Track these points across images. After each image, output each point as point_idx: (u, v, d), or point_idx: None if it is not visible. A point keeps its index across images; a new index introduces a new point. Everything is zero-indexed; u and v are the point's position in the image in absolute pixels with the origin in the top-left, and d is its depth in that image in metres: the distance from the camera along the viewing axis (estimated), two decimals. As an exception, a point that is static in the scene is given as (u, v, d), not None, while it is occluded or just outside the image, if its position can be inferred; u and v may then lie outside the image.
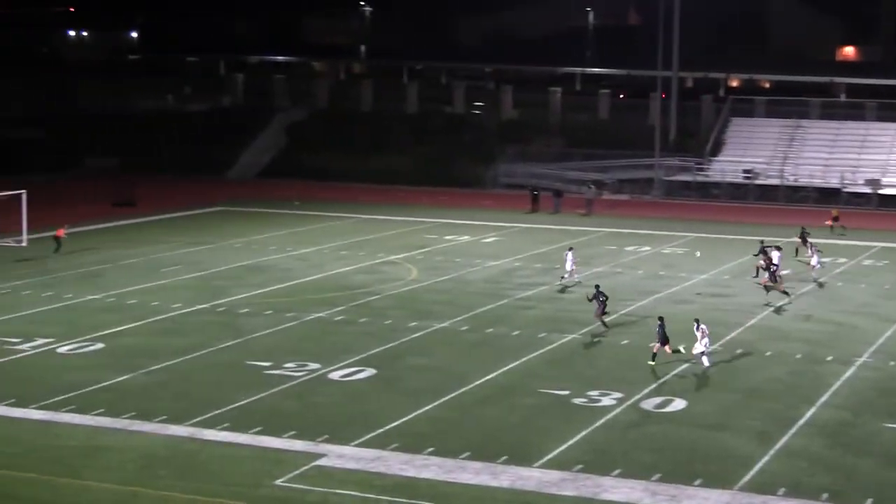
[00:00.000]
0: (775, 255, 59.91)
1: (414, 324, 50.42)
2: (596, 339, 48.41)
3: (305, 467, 32.73)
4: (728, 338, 48.87)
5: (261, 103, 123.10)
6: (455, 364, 44.17)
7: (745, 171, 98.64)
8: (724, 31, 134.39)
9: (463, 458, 33.58)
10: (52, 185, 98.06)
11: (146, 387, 40.53)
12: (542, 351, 46.39)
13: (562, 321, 51.56)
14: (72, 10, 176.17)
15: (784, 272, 59.69)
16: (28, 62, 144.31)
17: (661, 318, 45.66)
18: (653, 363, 44.25)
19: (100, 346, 46.15)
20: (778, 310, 54.97)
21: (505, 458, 33.67)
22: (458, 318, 51.53)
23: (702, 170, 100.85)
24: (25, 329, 48.53)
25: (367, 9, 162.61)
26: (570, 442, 35.14)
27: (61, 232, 66.71)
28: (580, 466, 33.05)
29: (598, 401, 39.47)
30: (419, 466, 32.94)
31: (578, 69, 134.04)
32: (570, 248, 61.64)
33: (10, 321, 50.15)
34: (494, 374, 42.85)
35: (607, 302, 50.17)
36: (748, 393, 40.89)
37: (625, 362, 44.79)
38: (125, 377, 41.61)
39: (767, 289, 56.47)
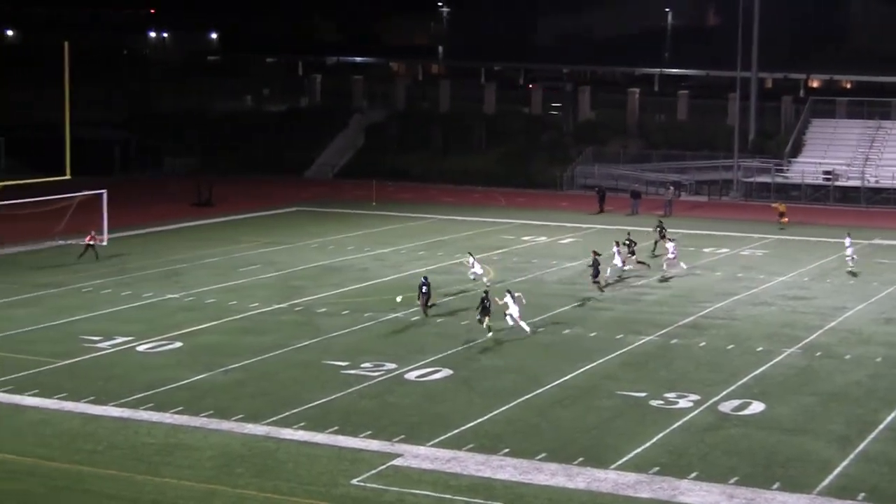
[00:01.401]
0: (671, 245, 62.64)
1: (491, 324, 50.35)
2: (673, 342, 48.12)
3: (381, 467, 32.81)
4: (807, 340, 48.42)
5: (339, 104, 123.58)
6: (531, 365, 44.10)
7: (826, 173, 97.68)
8: (804, 32, 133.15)
9: (539, 460, 33.51)
10: (133, 185, 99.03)
11: (224, 385, 40.81)
12: (618, 353, 46.20)
13: (639, 323, 51.31)
14: (153, 11, 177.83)
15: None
16: (109, 64, 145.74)
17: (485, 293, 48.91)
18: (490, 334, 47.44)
19: (178, 344, 46.53)
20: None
21: (581, 459, 33.56)
22: (535, 319, 51.41)
23: (781, 171, 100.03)
24: (105, 327, 49.02)
25: (446, 9, 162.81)
26: (647, 444, 34.96)
27: (94, 238, 66.14)
28: (656, 469, 32.88)
29: (675, 403, 39.24)
30: (495, 467, 32.91)
31: (657, 70, 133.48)
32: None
33: (90, 319, 50.70)
34: (571, 375, 42.74)
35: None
36: (828, 396, 40.48)
37: (702, 364, 44.50)
38: (203, 376, 41.92)
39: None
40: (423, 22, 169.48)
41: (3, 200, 66.19)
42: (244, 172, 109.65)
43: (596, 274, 57.70)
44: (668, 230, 69.78)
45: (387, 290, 56.78)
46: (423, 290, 51.70)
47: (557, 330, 49.85)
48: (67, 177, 69.88)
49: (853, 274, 63.21)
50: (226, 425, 36.27)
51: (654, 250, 68.28)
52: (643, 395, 40.12)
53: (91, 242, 65.23)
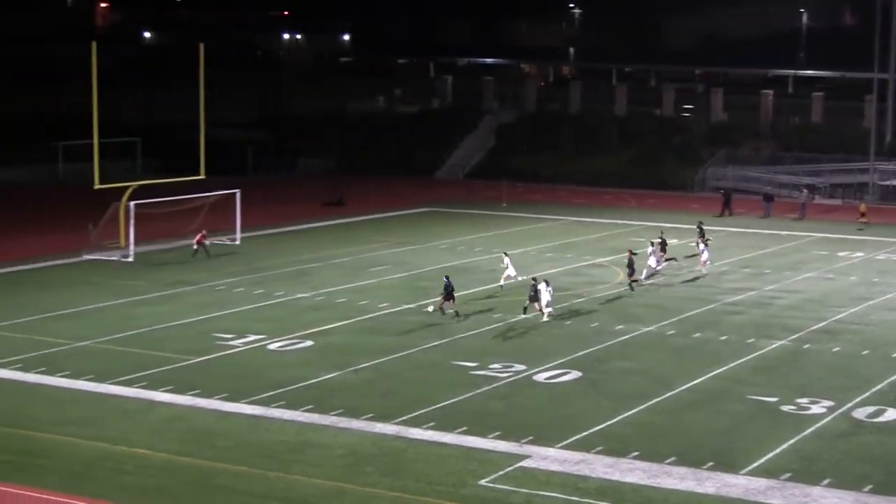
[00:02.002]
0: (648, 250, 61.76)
1: (620, 327, 50.14)
2: (806, 346, 47.46)
3: (510, 468, 32.81)
4: (944, 347, 47.49)
5: (469, 105, 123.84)
6: (661, 368, 43.80)
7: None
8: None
9: (668, 463, 33.27)
10: (266, 185, 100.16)
11: (354, 384, 41.10)
12: (750, 357, 45.70)
13: (771, 327, 50.71)
14: (286, 13, 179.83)
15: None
16: (244, 65, 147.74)
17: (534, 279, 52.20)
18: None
19: (309, 343, 46.96)
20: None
21: (711, 464, 33.25)
22: (665, 322, 51.09)
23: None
24: (238, 325, 49.65)
25: (577, 11, 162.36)
26: (778, 450, 34.53)
27: (204, 237, 66.93)
28: (788, 475, 32.45)
29: (808, 409, 38.70)
30: (623, 470, 32.75)
31: (791, 71, 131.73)
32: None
33: (223, 317, 51.38)
34: (701, 379, 42.36)
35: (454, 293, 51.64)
36: (965, 404, 39.68)
37: (836, 370, 43.84)
38: (333, 375, 42.25)
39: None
40: (554, 23, 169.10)
41: (139, 200, 67.32)
42: (376, 173, 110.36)
43: (631, 272, 58.05)
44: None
45: (515, 292, 56.75)
46: (447, 290, 51.57)
47: (688, 333, 49.44)
48: (202, 177, 70.95)
49: None
50: (355, 424, 36.52)
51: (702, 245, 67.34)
52: (774, 399, 39.63)
53: (202, 242, 66.13)
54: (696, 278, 61.63)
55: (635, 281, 58.33)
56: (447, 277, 52.27)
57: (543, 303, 51.28)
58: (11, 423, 36.44)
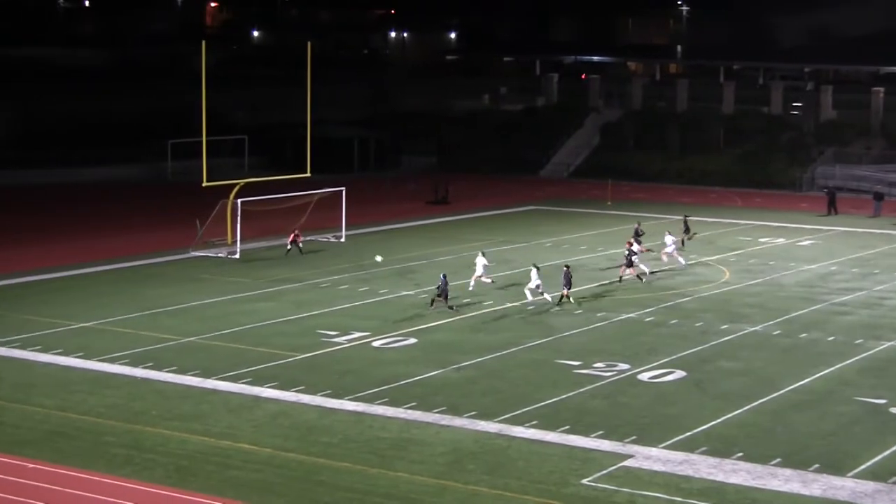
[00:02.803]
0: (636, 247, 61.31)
1: (725, 326, 49.75)
2: (915, 348, 46.78)
3: (612, 467, 32.70)
4: None
5: (575, 103, 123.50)
6: (767, 368, 43.39)
7: None
8: None
9: (773, 465, 32.96)
10: (372, 183, 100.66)
11: (456, 382, 41.19)
12: (857, 357, 45.12)
13: (880, 328, 50.03)
14: (393, 12, 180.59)
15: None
16: (351, 63, 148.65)
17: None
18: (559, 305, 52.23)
19: (412, 340, 47.14)
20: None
21: (816, 466, 32.88)
22: (771, 322, 50.60)
23: None
24: (342, 322, 49.96)
25: (684, 8, 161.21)
26: (886, 452, 34.05)
27: (298, 237, 67.00)
28: (896, 478, 32.06)
29: (917, 411, 38.17)
30: (727, 471, 32.49)
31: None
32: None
33: (327, 314, 51.73)
34: (807, 380, 41.91)
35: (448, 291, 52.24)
36: None
37: (946, 372, 43.17)
38: (436, 372, 42.38)
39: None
40: (661, 20, 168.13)
41: (246, 197, 67.98)
42: (480, 171, 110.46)
43: (630, 264, 58.48)
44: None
45: (621, 290, 56.53)
46: (440, 285, 52.20)
47: (794, 333, 48.93)
48: (308, 175, 71.51)
49: None
50: (458, 422, 36.60)
51: (683, 241, 68.59)
52: (883, 401, 39.10)
53: (296, 240, 66.47)
54: (660, 271, 61.33)
55: (639, 274, 58.96)
56: (444, 275, 52.99)
57: (534, 286, 53.20)
58: (121, 417, 37.01)
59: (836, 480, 31.82)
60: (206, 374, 41.83)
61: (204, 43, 65.82)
